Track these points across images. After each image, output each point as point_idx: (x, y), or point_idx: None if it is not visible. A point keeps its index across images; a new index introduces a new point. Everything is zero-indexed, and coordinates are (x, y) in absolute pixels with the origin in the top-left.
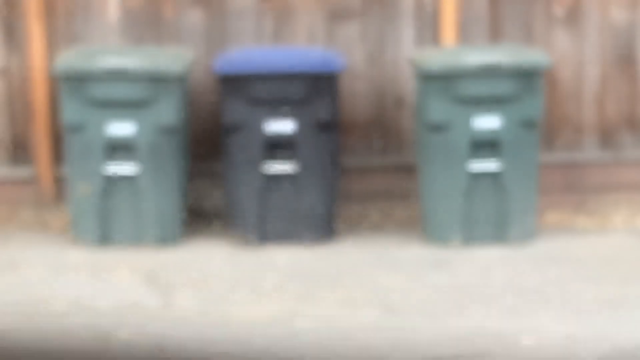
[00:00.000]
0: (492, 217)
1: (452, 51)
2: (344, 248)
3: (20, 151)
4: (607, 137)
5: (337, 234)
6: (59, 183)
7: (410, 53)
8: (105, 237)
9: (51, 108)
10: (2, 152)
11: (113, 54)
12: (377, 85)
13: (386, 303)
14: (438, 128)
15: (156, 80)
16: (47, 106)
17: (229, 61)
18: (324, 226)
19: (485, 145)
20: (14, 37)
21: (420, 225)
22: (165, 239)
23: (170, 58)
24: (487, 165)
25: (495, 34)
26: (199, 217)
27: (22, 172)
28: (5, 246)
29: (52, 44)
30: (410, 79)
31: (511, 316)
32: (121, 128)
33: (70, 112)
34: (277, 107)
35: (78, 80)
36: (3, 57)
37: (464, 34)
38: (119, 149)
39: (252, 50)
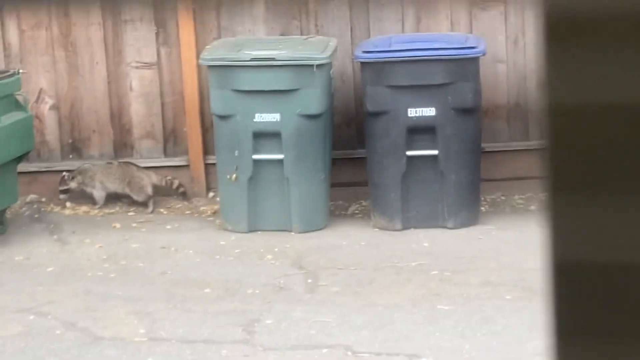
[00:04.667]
0: None
1: None
2: (486, 231)
3: (171, 141)
4: None
5: (480, 218)
6: (209, 171)
7: None
8: (253, 223)
9: (200, 99)
10: (155, 142)
11: (259, 44)
12: (519, 69)
13: (528, 285)
14: None
15: (301, 69)
16: (196, 97)
17: (370, 48)
18: (467, 210)
19: None
20: (165, 31)
21: None
22: (311, 224)
23: (315, 47)
24: None
25: None
26: (343, 202)
27: (174, 161)
28: (158, 231)
29: (201, 36)
30: None
31: None
32: (268, 116)
33: (219, 102)
34: (419, 92)
35: (226, 71)
36: (154, 50)
37: None
38: (265, 136)
39: (393, 36)
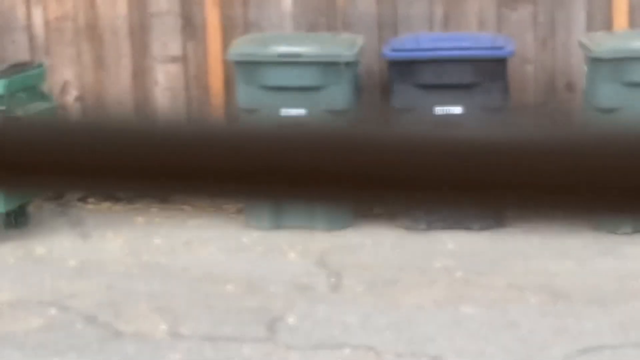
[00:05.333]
0: None
1: (622, 36)
2: (512, 234)
3: None
4: None
5: (506, 220)
6: None
7: (581, 37)
8: (277, 221)
9: (227, 93)
10: None
11: (286, 40)
12: (548, 69)
13: (552, 289)
14: (607, 113)
15: (328, 65)
16: (223, 91)
17: (398, 46)
18: (493, 212)
19: None
20: (191, 25)
21: None
22: (336, 223)
23: (342, 44)
24: None
25: None
26: None
27: None
28: (182, 227)
29: (228, 31)
30: (581, 63)
31: None
32: (294, 112)
33: (245, 97)
34: (446, 91)
35: (252, 66)
36: (181, 44)
37: (637, 19)
38: None
39: (421, 35)
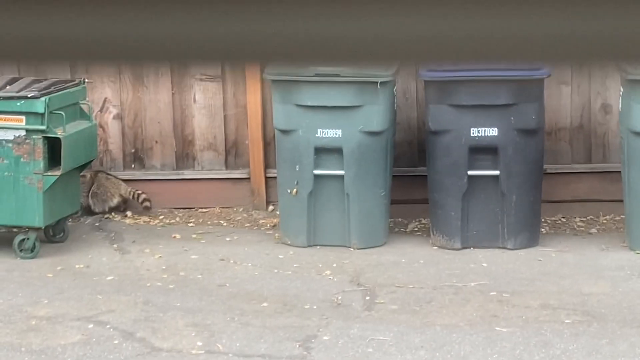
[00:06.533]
0: None
1: None
2: (546, 253)
3: (233, 153)
4: None
5: (540, 239)
6: (269, 184)
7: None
8: (312, 238)
9: (263, 112)
10: (216, 154)
11: None
12: (583, 90)
13: (586, 310)
14: None
15: (364, 85)
16: (259, 110)
17: (435, 67)
18: (527, 231)
19: None
20: None
21: (625, 231)
22: (370, 241)
23: (378, 64)
24: None
25: None
26: (403, 219)
27: (235, 173)
28: (218, 244)
29: None
30: (617, 85)
31: None
32: (330, 132)
33: (281, 116)
34: (482, 112)
35: (289, 86)
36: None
37: None
38: (327, 152)
39: None
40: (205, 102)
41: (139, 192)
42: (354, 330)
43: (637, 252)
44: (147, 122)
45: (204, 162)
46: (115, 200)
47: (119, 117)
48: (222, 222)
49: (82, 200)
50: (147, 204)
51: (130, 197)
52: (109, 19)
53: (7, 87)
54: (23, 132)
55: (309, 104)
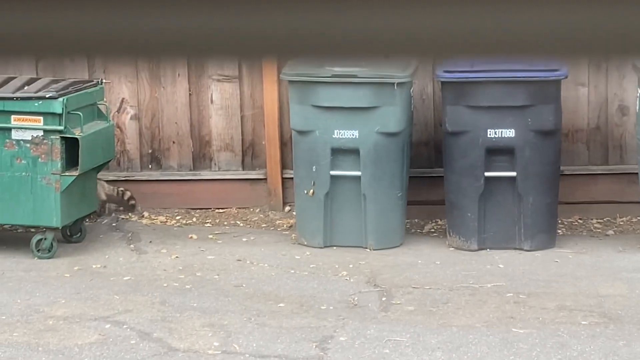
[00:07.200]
0: None
1: None
2: (563, 255)
3: (250, 154)
4: None
5: (557, 241)
6: (286, 185)
7: (635, 61)
8: (328, 238)
9: (280, 113)
10: (233, 154)
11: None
12: (601, 92)
13: (603, 311)
14: None
15: (381, 86)
16: (276, 111)
17: (452, 68)
18: (544, 232)
19: None
20: None
21: None
22: (387, 242)
23: (396, 65)
24: None
25: None
26: (419, 220)
27: (252, 174)
28: (234, 244)
29: None
30: (635, 87)
31: None
32: (347, 133)
33: (298, 117)
34: (499, 113)
35: (306, 87)
36: (236, 63)
37: None
38: (344, 153)
39: None
40: (222, 103)
41: (122, 189)
42: (370, 331)
43: None
44: (165, 122)
45: (221, 162)
46: (100, 198)
47: (137, 117)
48: (238, 222)
49: None
50: (132, 202)
51: (115, 194)
52: (126, 15)
53: (26, 88)
54: (41, 133)
55: (326, 104)
